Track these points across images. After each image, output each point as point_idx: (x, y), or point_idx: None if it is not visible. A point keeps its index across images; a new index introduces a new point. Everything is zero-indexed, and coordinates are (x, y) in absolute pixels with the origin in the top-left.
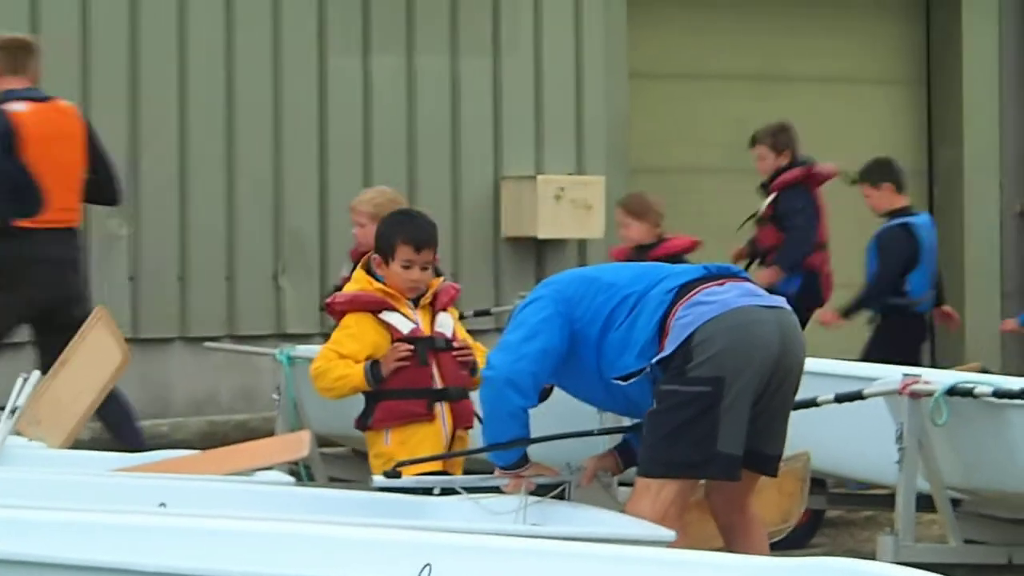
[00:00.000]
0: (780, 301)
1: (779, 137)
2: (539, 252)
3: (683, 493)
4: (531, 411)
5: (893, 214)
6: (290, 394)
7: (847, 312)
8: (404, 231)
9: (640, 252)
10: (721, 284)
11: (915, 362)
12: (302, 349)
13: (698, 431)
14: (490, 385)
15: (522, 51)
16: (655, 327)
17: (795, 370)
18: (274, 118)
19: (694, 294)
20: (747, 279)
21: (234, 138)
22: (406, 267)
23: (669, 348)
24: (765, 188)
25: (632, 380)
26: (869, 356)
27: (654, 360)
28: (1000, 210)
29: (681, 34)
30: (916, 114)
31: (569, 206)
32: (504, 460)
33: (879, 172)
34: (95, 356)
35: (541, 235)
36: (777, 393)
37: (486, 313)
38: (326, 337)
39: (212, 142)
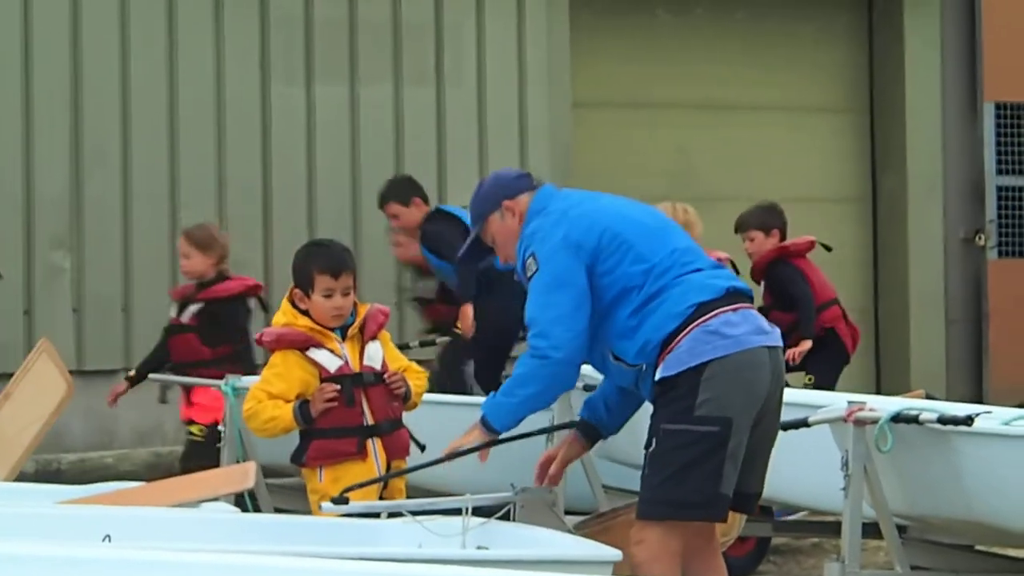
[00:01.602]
0: (778, 339)
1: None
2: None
3: (683, 533)
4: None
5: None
6: (235, 425)
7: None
8: (318, 260)
9: (199, 289)
10: (735, 310)
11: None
12: (247, 380)
13: (703, 471)
14: (556, 365)
15: (465, 81)
16: (665, 336)
17: (777, 410)
18: (217, 148)
19: (711, 318)
20: (752, 303)
21: (177, 168)
22: (327, 296)
23: (674, 369)
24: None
25: (620, 363)
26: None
27: (657, 377)
28: (944, 237)
29: (624, 63)
30: (859, 141)
31: None
32: (506, 425)
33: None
34: (39, 388)
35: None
36: (760, 432)
37: (431, 344)
38: None
39: (155, 172)
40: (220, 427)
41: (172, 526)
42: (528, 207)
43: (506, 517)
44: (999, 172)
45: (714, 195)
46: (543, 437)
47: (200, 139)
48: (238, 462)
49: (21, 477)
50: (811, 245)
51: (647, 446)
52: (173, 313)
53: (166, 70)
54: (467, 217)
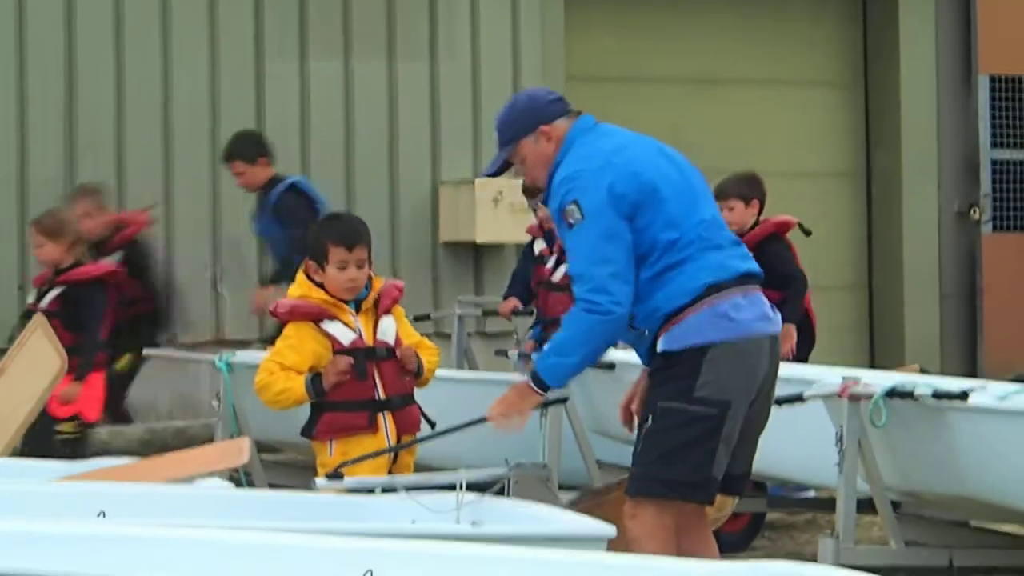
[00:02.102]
0: (779, 325)
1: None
2: (477, 256)
3: (677, 510)
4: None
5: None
6: (229, 401)
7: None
8: (333, 232)
9: (56, 275)
10: (744, 294)
11: None
12: (241, 355)
13: (698, 452)
14: (619, 321)
15: (459, 56)
16: (674, 309)
17: (770, 394)
18: (211, 124)
19: (721, 299)
20: (760, 287)
21: (171, 144)
22: (341, 268)
23: (677, 345)
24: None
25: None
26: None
27: (659, 349)
28: (938, 212)
29: (618, 38)
30: (853, 116)
31: (507, 210)
32: (561, 384)
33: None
34: (33, 364)
35: (479, 239)
36: (752, 414)
37: (426, 318)
38: (265, 343)
39: (149, 149)
40: (215, 403)
41: (167, 502)
42: (565, 135)
43: (501, 493)
44: (994, 146)
45: (707, 169)
46: (535, 413)
47: (193, 117)
48: (232, 438)
49: (16, 453)
50: (792, 225)
51: (643, 422)
52: (31, 299)
53: (159, 49)
54: (319, 195)
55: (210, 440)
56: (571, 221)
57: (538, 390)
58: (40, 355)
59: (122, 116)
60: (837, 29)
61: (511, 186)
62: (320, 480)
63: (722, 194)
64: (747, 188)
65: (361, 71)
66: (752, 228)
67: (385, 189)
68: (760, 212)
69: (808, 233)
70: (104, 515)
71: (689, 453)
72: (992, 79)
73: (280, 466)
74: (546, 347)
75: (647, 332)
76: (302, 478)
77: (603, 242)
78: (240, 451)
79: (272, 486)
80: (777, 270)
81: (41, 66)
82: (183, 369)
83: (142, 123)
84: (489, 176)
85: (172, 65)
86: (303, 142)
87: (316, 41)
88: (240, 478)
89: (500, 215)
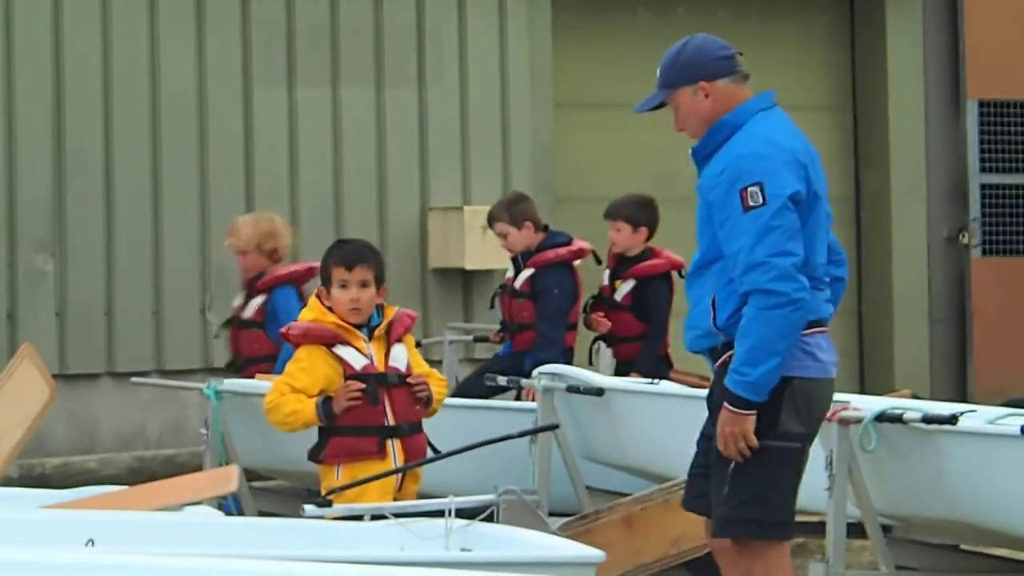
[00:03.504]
0: None
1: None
2: (466, 283)
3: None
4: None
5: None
6: (218, 428)
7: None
8: (335, 254)
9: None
10: (824, 335)
11: None
12: (229, 383)
13: (787, 489)
14: (804, 306)
15: (447, 82)
16: None
17: None
18: (199, 151)
19: (808, 336)
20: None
21: (160, 171)
22: (343, 287)
23: None
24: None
25: (711, 313)
26: None
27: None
28: (927, 235)
29: (605, 63)
30: (842, 139)
31: (496, 237)
32: (762, 394)
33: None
34: (22, 393)
35: (468, 266)
36: None
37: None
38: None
39: (137, 176)
40: (203, 430)
41: (155, 530)
42: (727, 96)
43: (490, 519)
44: (982, 170)
45: (696, 195)
46: (525, 440)
47: (182, 143)
48: (221, 466)
49: (5, 482)
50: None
51: (716, 456)
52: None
53: (148, 74)
54: None
55: (199, 468)
56: (751, 203)
57: (745, 411)
58: (29, 384)
59: (109, 138)
60: (826, 53)
61: None
62: (309, 507)
63: (612, 213)
64: (638, 212)
65: (349, 98)
66: (645, 256)
67: (374, 215)
68: (648, 239)
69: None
70: (93, 543)
71: (777, 491)
72: (981, 104)
73: (269, 493)
74: (734, 363)
75: (722, 340)
76: (291, 505)
77: (786, 236)
78: (228, 479)
79: (261, 513)
80: (649, 307)
81: (29, 86)
82: (172, 397)
83: (131, 146)
84: (639, 112)
85: (160, 89)
86: (291, 169)
87: (304, 68)
88: (229, 506)
89: (489, 241)
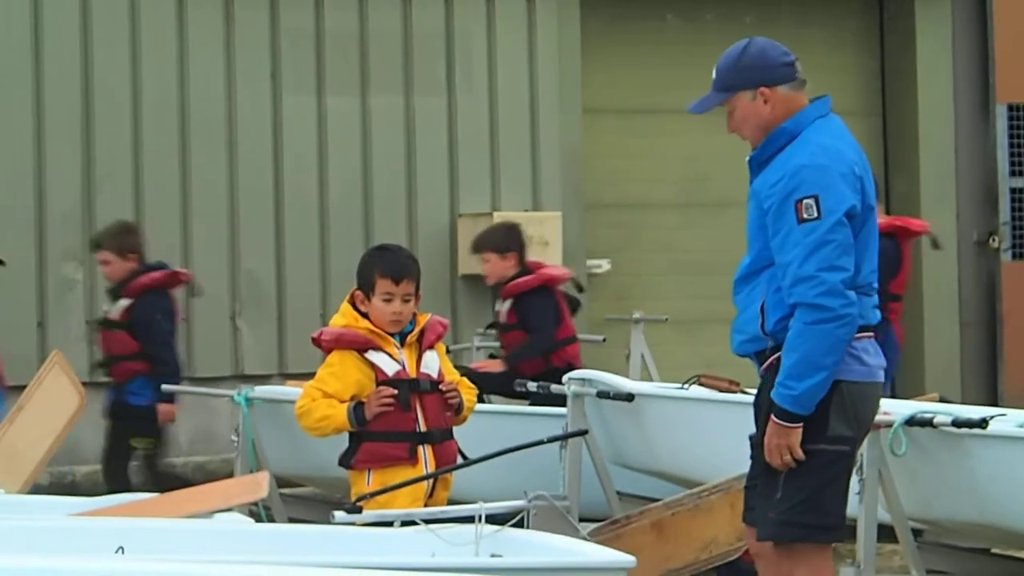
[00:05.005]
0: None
1: (124, 240)
2: (495, 290)
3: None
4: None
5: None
6: (248, 435)
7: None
8: (381, 264)
9: None
10: (871, 340)
11: None
12: (260, 390)
13: (837, 492)
14: (852, 322)
15: (476, 89)
16: None
17: None
18: (229, 159)
19: (856, 340)
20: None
21: (189, 179)
22: (386, 300)
23: None
24: (113, 294)
25: (760, 318)
26: None
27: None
28: (957, 239)
29: (634, 69)
30: (872, 145)
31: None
32: (808, 407)
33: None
34: (51, 401)
35: None
36: None
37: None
38: (284, 378)
39: (167, 183)
40: (234, 437)
41: (185, 537)
42: (787, 103)
43: (520, 525)
44: (1012, 174)
45: (725, 201)
46: (555, 446)
47: (211, 151)
48: (251, 472)
49: (35, 489)
50: (563, 279)
51: (764, 464)
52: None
53: (177, 83)
54: None
55: (229, 475)
56: (805, 216)
57: (791, 424)
58: (58, 392)
59: (139, 148)
60: (855, 57)
61: (529, 218)
62: (339, 514)
63: (478, 246)
64: (503, 240)
65: (378, 105)
66: (520, 274)
67: (403, 223)
68: (520, 260)
69: (581, 290)
70: (123, 551)
71: (827, 494)
72: (1010, 108)
73: (299, 500)
74: (780, 376)
75: (771, 344)
76: (321, 512)
77: (838, 251)
78: (259, 485)
79: (291, 520)
80: (530, 320)
81: (58, 100)
82: (202, 404)
83: (160, 156)
84: (695, 112)
85: (189, 99)
86: (321, 177)
87: (333, 76)
88: (259, 513)
89: None
